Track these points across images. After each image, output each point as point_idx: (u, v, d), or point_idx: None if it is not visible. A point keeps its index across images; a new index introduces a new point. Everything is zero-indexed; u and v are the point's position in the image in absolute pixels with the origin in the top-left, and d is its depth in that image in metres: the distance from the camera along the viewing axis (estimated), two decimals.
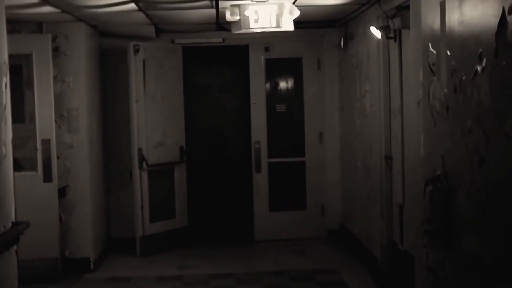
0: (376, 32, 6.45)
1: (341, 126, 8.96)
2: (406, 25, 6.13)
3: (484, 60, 3.74)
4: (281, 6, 6.02)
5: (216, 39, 8.86)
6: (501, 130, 3.52)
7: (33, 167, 7.30)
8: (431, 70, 4.70)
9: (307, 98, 9.08)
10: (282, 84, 9.21)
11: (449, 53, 4.31)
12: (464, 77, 4.05)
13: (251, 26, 5.98)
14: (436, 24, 4.57)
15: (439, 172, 4.42)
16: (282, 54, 9.06)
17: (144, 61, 8.31)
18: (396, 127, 6.55)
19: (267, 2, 6.00)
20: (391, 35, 6.43)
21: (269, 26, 6.01)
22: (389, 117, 6.79)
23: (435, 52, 4.62)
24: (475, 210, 3.88)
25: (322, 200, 9.13)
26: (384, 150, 6.85)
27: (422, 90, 5.02)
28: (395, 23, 6.38)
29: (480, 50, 3.78)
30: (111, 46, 8.67)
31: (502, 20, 3.48)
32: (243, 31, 6.00)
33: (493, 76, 3.64)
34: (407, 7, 5.75)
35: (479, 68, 3.82)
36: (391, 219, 6.85)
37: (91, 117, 7.89)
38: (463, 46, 4.07)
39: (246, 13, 5.96)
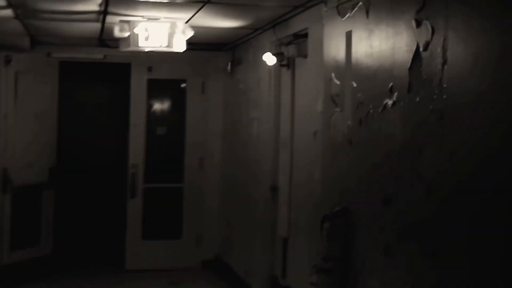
0: (270, 59, 6.27)
1: (223, 152, 8.70)
2: (301, 53, 5.99)
3: (395, 94, 3.61)
4: (173, 25, 5.73)
5: (97, 55, 8.39)
6: (412, 168, 3.38)
7: None
8: (333, 101, 4.54)
9: (189, 122, 8.78)
10: (164, 106, 8.88)
11: (355, 85, 4.17)
12: (371, 110, 3.91)
13: (140, 45, 5.64)
14: (341, 54, 4.43)
15: (338, 208, 4.23)
16: (166, 75, 8.75)
17: (16, 74, 7.72)
18: (284, 157, 6.37)
19: (159, 20, 5.68)
20: (285, 62, 6.27)
21: (159, 45, 5.70)
22: (277, 146, 6.61)
23: (338, 83, 4.47)
24: (380, 252, 3.71)
25: (199, 229, 8.82)
26: (271, 180, 6.65)
27: (321, 121, 4.86)
28: (290, 50, 6.22)
29: (391, 84, 3.65)
30: None
31: (417, 55, 3.36)
32: (132, 49, 5.65)
33: (405, 112, 3.51)
34: (305, 35, 5.61)
35: (389, 102, 3.68)
36: (274, 253, 6.64)
37: None
38: (371, 79, 3.94)
39: (136, 30, 5.62)
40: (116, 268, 8.74)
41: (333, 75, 4.56)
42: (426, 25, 3.23)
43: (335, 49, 4.53)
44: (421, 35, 3.29)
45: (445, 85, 3.07)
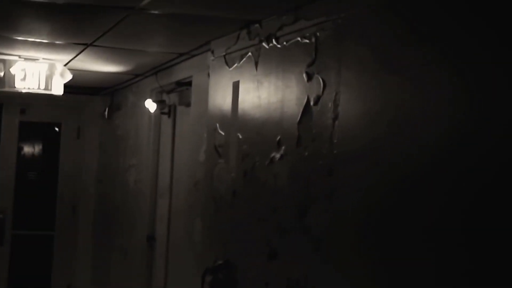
0: (151, 106, 6.13)
1: (99, 199, 8.38)
2: (183, 101, 5.90)
3: (283, 147, 3.57)
4: (52, 67, 5.50)
5: None
6: (300, 223, 3.33)
7: None
8: (217, 151, 4.46)
9: (63, 167, 8.43)
10: (37, 150, 8.49)
11: (240, 136, 4.11)
12: (257, 163, 3.85)
13: (16, 86, 5.37)
14: (227, 104, 4.37)
15: (220, 261, 4.12)
16: (40, 118, 8.39)
17: None
18: (163, 206, 6.20)
19: (37, 60, 5.44)
20: (166, 110, 6.15)
21: (37, 87, 5.45)
22: (155, 195, 6.43)
23: (223, 133, 4.39)
24: None
25: (69, 278, 8.41)
26: (148, 230, 6.44)
27: (203, 171, 4.76)
28: (172, 98, 6.12)
29: (279, 137, 3.61)
30: None
31: (306, 109, 3.35)
32: (7, 89, 5.36)
33: (293, 166, 3.47)
34: (188, 83, 5.53)
35: (277, 155, 3.64)
36: None
37: None
38: (258, 131, 3.89)
39: (12, 70, 5.34)
40: None
41: (217, 125, 4.48)
42: (318, 79, 3.22)
43: (221, 98, 4.47)
44: (312, 89, 3.28)
45: (335, 140, 3.06)
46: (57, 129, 8.46)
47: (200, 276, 4.25)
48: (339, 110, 3.05)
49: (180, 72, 5.71)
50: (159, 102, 6.18)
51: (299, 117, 3.41)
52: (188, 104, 5.66)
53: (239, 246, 4.01)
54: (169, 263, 5.96)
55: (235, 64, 4.24)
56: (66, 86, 5.81)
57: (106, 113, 8.08)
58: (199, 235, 4.83)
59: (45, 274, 8.36)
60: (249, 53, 4.02)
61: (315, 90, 3.25)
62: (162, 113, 6.22)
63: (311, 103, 3.30)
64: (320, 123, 3.20)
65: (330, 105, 3.12)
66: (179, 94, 5.99)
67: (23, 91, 5.43)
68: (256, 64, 3.94)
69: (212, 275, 4.07)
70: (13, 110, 8.22)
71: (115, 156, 7.70)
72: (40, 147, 8.53)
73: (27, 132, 8.37)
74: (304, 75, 3.36)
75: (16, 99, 8.03)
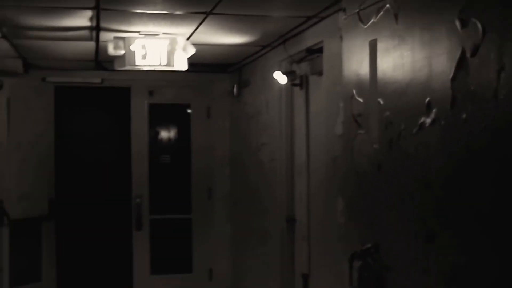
0: (281, 78, 5.70)
1: (233, 181, 8.11)
2: (315, 70, 5.43)
3: (434, 111, 3.02)
4: (173, 42, 5.18)
5: (94, 79, 7.87)
6: (460, 199, 2.78)
7: None
8: (356, 121, 3.95)
9: (195, 149, 8.24)
10: (168, 133, 8.33)
11: (381, 102, 3.58)
12: (403, 131, 3.32)
13: (137, 63, 5.10)
14: (364, 67, 3.84)
15: (369, 245, 3.63)
16: (168, 99, 8.23)
17: (8, 100, 7.19)
18: (301, 185, 5.78)
19: (157, 36, 5.14)
20: (297, 81, 5.71)
21: (158, 64, 5.15)
22: (292, 174, 6.02)
23: (361, 100, 3.88)
24: None
25: (210, 262, 8.24)
26: (286, 211, 6.05)
27: (342, 145, 4.28)
28: (302, 68, 5.66)
29: (428, 98, 3.06)
30: None
31: (461, 63, 2.78)
32: (127, 68, 5.11)
33: (447, 132, 2.91)
34: (319, 49, 5.05)
35: (427, 121, 3.09)
36: None
37: None
38: (402, 94, 3.35)
39: (132, 47, 5.08)
40: None
41: (354, 92, 3.97)
42: (475, 24, 2.65)
43: (356, 61, 3.95)
44: (468, 38, 2.70)
45: (501, 97, 2.49)
46: (189, 110, 8.24)
47: (347, 261, 3.79)
48: (504, 61, 2.47)
49: (310, 39, 5.26)
50: (289, 73, 5.75)
51: (452, 73, 2.85)
52: (320, 73, 5.19)
53: (388, 227, 3.51)
54: (311, 246, 5.54)
55: (371, 20, 3.70)
56: (192, 65, 5.51)
57: (235, 90, 7.77)
58: (342, 215, 4.36)
59: (186, 258, 8.22)
60: (387, 5, 3.48)
61: (472, 39, 2.67)
62: (293, 84, 5.79)
63: (467, 54, 2.73)
64: (479, 77, 2.63)
65: (492, 55, 2.54)
66: (310, 63, 5.53)
67: (145, 69, 5.16)
68: (396, 16, 3.39)
69: (360, 260, 3.60)
70: (141, 93, 8.10)
71: (247, 135, 7.37)
72: (171, 129, 8.35)
73: (157, 115, 8.21)
74: (457, 22, 2.78)
75: (144, 82, 7.95)
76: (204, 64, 7.43)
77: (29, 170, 7.46)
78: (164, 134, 8.32)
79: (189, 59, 5.41)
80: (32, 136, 7.48)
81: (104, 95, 8.87)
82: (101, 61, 7.07)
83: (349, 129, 4.10)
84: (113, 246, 9.30)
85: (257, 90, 6.93)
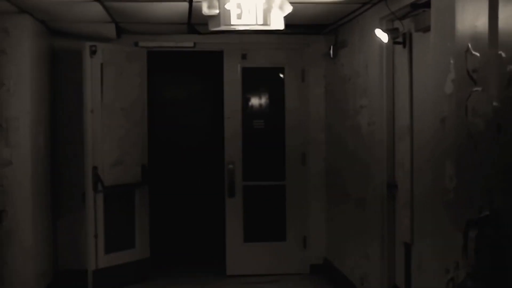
0: (382, 36, 5.38)
1: (328, 146, 7.85)
2: (420, 26, 5.08)
3: None
4: (269, 0, 4.91)
5: (186, 43, 7.72)
6: None
7: None
8: (471, 78, 3.61)
9: (289, 114, 8.00)
10: (261, 97, 8.11)
11: (503, 55, 3.23)
12: None
13: (232, 22, 4.86)
14: (482, 18, 3.49)
15: (487, 212, 3.32)
16: (262, 63, 8.00)
17: (102, 65, 7.14)
18: (402, 149, 5.47)
19: None
20: (400, 39, 5.37)
21: (254, 23, 4.90)
22: (393, 137, 5.72)
23: (478, 54, 3.53)
24: None
25: (304, 230, 8.04)
26: (387, 177, 5.76)
27: (453, 104, 3.95)
28: (405, 25, 5.32)
29: None
30: (64, 47, 7.49)
31: None
32: (222, 27, 4.89)
33: None
34: (425, 4, 4.70)
35: None
36: (394, 260, 5.76)
37: (36, 129, 6.66)
38: None
39: (227, 6, 4.85)
40: (216, 273, 8.09)
41: (469, 45, 3.63)
42: None
43: (473, 12, 3.60)
44: None
45: None
46: (281, 75, 8.00)
47: (458, 230, 3.49)
48: None
49: None
50: (391, 30, 5.42)
51: None
52: (426, 29, 4.84)
53: (507, 193, 3.18)
54: (414, 214, 5.24)
55: None
56: (287, 26, 5.24)
57: (331, 52, 7.48)
58: (452, 181, 4.05)
59: (280, 225, 8.05)
60: None
61: None
62: (395, 42, 5.46)
63: None
64: None
65: None
66: (415, 19, 5.18)
67: (240, 28, 4.93)
68: None
69: (477, 229, 3.29)
70: (234, 56, 7.92)
71: (343, 98, 7.08)
72: (264, 94, 8.13)
73: (250, 79, 8.00)
74: None
75: (236, 45, 7.80)
76: (299, 25, 7.16)
77: (123, 137, 7.42)
78: (257, 98, 8.11)
79: (284, 19, 5.15)
80: (126, 101, 7.42)
81: (197, 59, 8.75)
82: (194, 24, 6.90)
83: (462, 87, 3.76)
84: (206, 213, 9.27)
85: (355, 51, 6.62)
